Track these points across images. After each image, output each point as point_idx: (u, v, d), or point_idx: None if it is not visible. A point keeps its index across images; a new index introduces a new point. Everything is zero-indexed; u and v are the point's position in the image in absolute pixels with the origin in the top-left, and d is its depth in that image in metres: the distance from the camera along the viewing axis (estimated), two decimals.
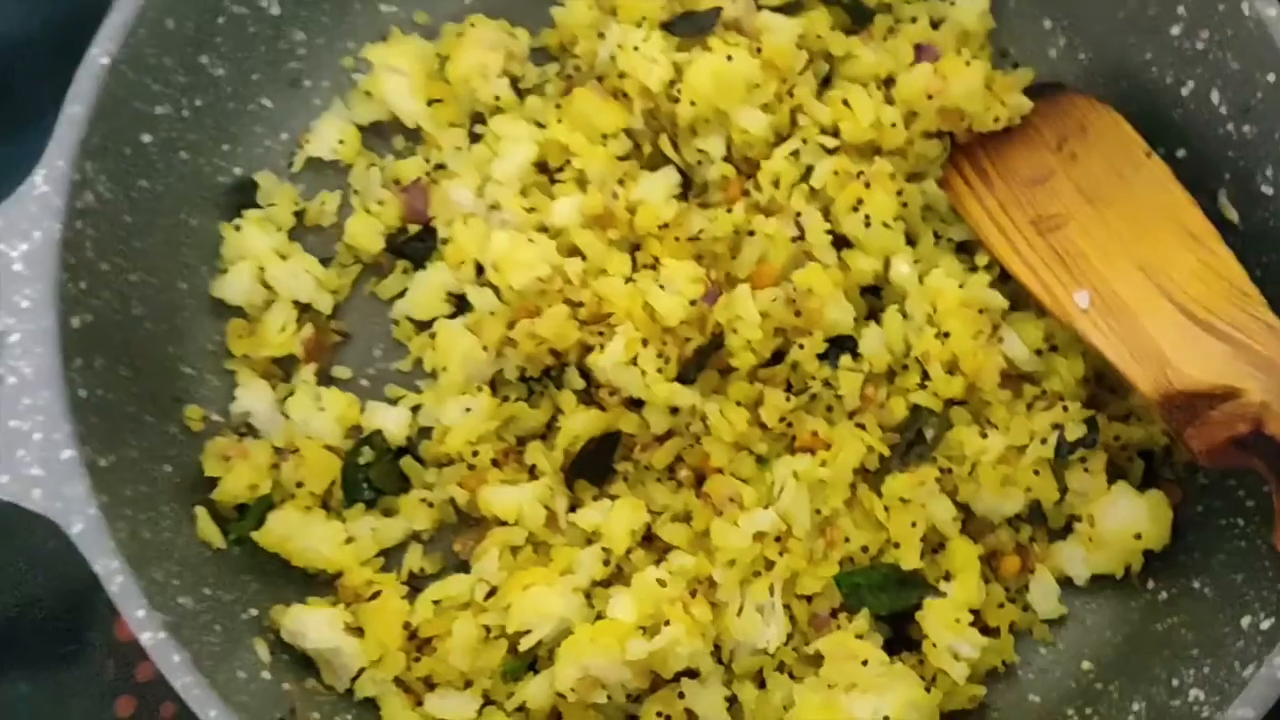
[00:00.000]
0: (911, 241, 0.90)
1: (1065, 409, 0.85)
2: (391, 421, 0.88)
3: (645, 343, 0.84)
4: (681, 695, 0.80)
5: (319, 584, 0.85)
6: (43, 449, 0.72)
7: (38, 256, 0.75)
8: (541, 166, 0.92)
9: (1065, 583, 0.86)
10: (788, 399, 0.85)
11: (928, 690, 0.80)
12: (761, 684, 0.82)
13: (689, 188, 0.92)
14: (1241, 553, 0.81)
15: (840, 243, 0.89)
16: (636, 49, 0.89)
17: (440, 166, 0.94)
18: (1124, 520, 0.83)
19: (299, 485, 0.85)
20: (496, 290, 0.88)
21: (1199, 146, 0.88)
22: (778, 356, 0.87)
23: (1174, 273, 0.83)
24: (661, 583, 0.79)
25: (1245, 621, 0.75)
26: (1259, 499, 0.81)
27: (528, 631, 0.79)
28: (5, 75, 1.06)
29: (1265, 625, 0.74)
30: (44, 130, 0.78)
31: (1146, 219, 0.85)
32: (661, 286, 0.85)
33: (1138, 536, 0.83)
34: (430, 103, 0.95)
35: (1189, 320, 0.81)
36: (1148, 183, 0.87)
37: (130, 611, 0.69)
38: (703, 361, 0.86)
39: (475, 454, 0.85)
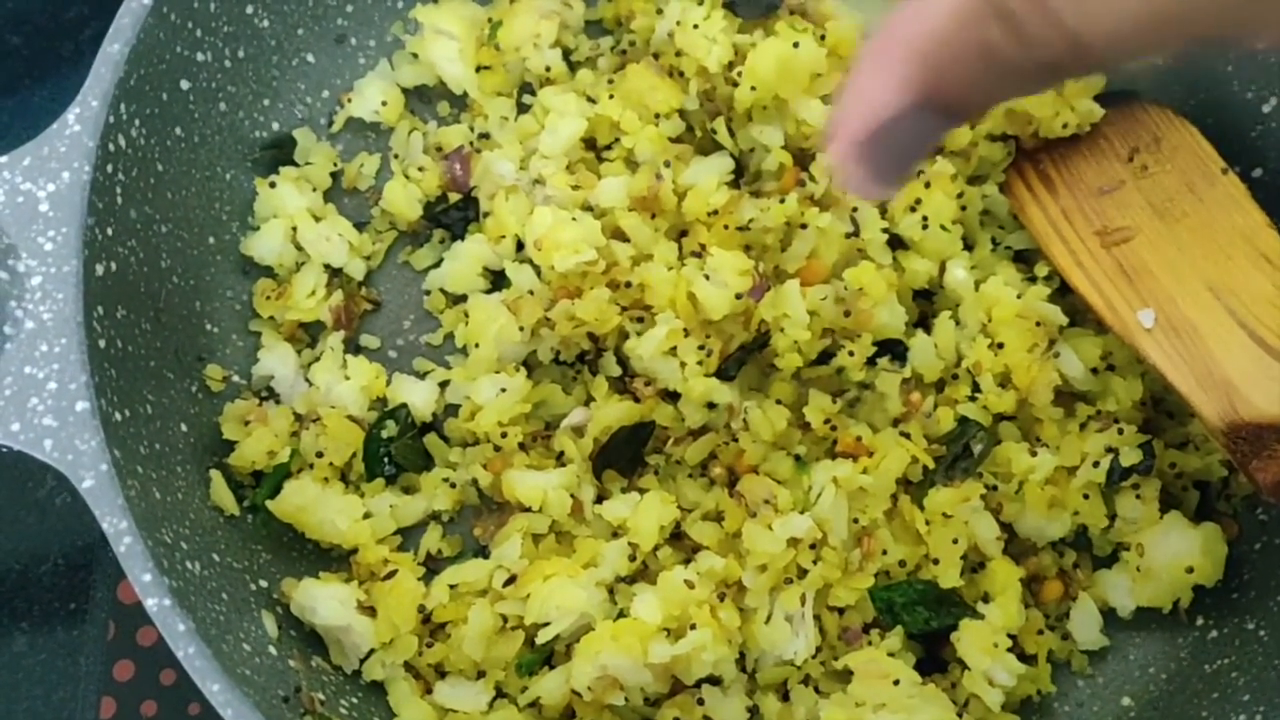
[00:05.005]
0: (969, 246, 0.87)
1: (1120, 432, 0.81)
2: (418, 396, 0.85)
3: (686, 333, 0.81)
4: (701, 702, 0.76)
5: (333, 559, 0.82)
6: (57, 399, 0.69)
7: (65, 198, 0.72)
8: (589, 143, 0.89)
9: (1109, 613, 0.82)
10: (833, 401, 0.82)
11: (959, 716, 0.76)
12: (785, 696, 0.78)
13: (741, 175, 0.88)
14: None
15: (895, 243, 0.85)
16: (696, 27, 0.86)
17: (484, 136, 0.90)
18: (1175, 552, 0.79)
19: (319, 455, 0.82)
20: (536, 268, 0.85)
21: (1277, 167, 0.84)
22: (823, 357, 0.83)
23: (1245, 296, 0.79)
24: (689, 584, 0.76)
25: None
26: None
27: (546, 624, 0.76)
28: (55, 13, 1.04)
29: None
30: (85, 73, 0.74)
31: (1219, 238, 0.81)
32: (707, 276, 0.81)
33: (1189, 570, 0.79)
34: (478, 69, 0.91)
35: (1259, 347, 0.77)
36: (1221, 201, 0.83)
37: (136, 575, 0.66)
38: (745, 358, 0.82)
39: (504, 435, 0.82)
